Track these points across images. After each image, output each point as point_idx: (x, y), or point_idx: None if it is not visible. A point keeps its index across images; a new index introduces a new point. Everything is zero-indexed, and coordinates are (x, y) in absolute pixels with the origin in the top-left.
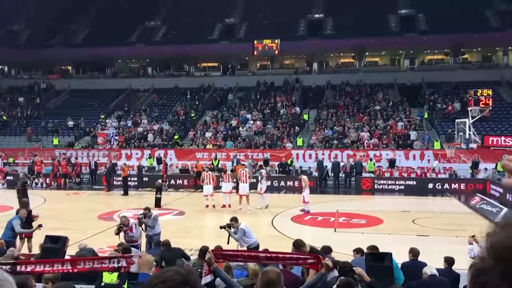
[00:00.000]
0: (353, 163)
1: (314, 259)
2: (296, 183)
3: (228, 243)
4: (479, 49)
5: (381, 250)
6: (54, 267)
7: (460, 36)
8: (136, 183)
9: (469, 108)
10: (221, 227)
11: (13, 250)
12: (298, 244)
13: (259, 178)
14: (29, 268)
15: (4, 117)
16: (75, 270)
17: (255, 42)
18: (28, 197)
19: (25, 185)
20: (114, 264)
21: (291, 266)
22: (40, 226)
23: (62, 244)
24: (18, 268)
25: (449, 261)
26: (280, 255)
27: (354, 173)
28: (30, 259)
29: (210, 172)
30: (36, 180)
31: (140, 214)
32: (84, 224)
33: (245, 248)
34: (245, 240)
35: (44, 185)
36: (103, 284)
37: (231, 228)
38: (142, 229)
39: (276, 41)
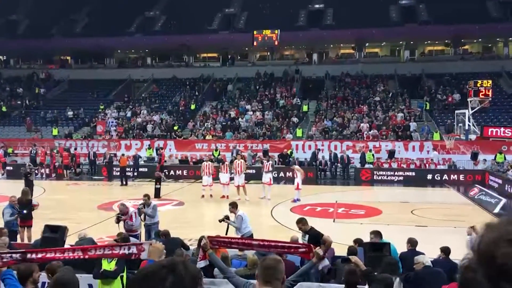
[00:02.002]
0: (351, 154)
1: (305, 248)
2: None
3: (226, 233)
4: (480, 40)
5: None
6: (64, 254)
7: (461, 27)
8: (131, 173)
9: (469, 99)
10: (220, 221)
11: (4, 239)
12: (304, 221)
13: (264, 169)
14: (39, 255)
15: (4, 108)
16: (86, 257)
17: (255, 32)
18: (32, 187)
19: (27, 175)
20: (125, 250)
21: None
22: (20, 212)
23: (61, 233)
24: (29, 255)
25: (446, 251)
26: (273, 243)
27: (356, 164)
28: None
29: (209, 163)
30: (37, 171)
31: (140, 204)
32: (83, 214)
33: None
34: (245, 228)
35: (44, 176)
36: (101, 270)
37: (229, 219)
38: (142, 219)
39: (276, 31)
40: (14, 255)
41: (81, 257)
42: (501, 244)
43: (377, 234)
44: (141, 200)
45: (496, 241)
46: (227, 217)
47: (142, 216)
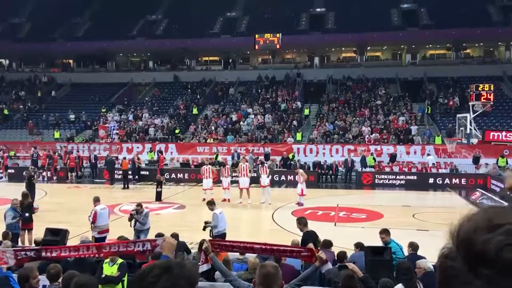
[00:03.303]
0: (354, 158)
1: (308, 252)
2: (297, 177)
3: (211, 236)
4: (481, 44)
5: (380, 244)
6: (79, 252)
7: (463, 31)
8: (131, 176)
9: (470, 103)
10: (204, 229)
11: (6, 242)
12: (302, 222)
13: (260, 172)
14: (54, 253)
15: (6, 111)
16: (101, 255)
17: (257, 36)
18: (35, 191)
19: (31, 178)
20: (139, 247)
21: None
22: (20, 216)
23: (62, 236)
24: (43, 253)
25: None
26: (275, 247)
27: (358, 167)
28: None
29: (209, 166)
30: (44, 174)
31: (133, 210)
32: (85, 217)
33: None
34: (217, 227)
35: (46, 179)
36: (103, 276)
37: (208, 223)
38: (132, 225)
39: (278, 35)
40: (28, 252)
41: (96, 255)
42: (479, 232)
43: (388, 233)
44: (145, 204)
45: (474, 230)
46: (206, 222)
47: (133, 222)
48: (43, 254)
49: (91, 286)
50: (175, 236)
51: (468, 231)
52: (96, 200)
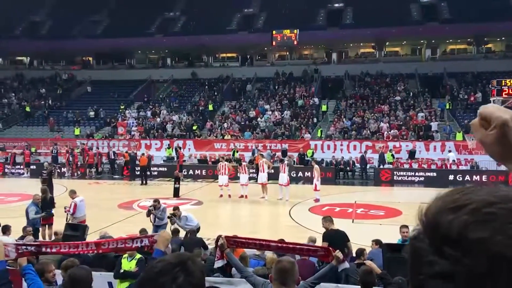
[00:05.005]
0: (371, 155)
1: (324, 251)
2: (313, 173)
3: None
4: (503, 38)
5: (399, 240)
6: (78, 249)
7: (484, 25)
8: (149, 172)
9: (491, 99)
10: (168, 217)
11: (27, 237)
12: (326, 220)
13: (280, 170)
14: (54, 249)
15: (27, 108)
16: (100, 251)
17: (274, 32)
18: (53, 186)
19: (51, 174)
20: (137, 244)
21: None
22: (47, 212)
23: (82, 232)
24: (44, 249)
25: None
26: (291, 246)
27: (374, 164)
28: None
29: (226, 163)
30: (59, 170)
31: (150, 206)
32: (104, 213)
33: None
34: (189, 225)
35: (67, 175)
36: (122, 271)
37: (175, 216)
38: (151, 220)
39: (295, 31)
40: (29, 247)
41: (95, 251)
42: (444, 213)
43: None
44: (162, 200)
45: (439, 211)
46: (173, 215)
47: (152, 217)
48: (43, 249)
49: (82, 281)
50: (192, 232)
51: (434, 212)
52: (74, 193)
